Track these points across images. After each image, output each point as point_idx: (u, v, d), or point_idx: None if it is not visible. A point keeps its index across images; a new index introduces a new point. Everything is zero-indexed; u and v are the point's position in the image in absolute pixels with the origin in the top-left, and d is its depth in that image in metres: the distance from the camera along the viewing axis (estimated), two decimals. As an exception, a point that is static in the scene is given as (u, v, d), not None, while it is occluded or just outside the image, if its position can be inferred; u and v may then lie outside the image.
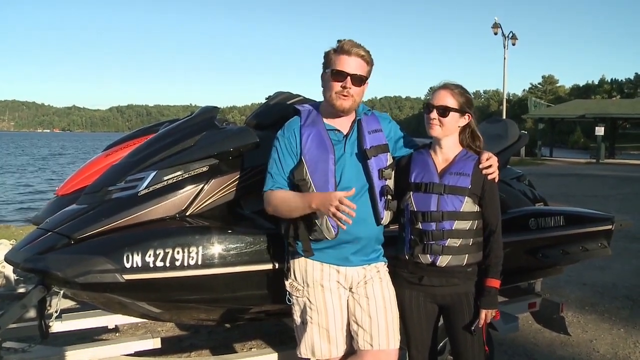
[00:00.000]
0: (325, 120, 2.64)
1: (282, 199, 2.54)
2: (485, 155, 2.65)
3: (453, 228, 2.58)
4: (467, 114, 2.64)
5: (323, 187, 2.51)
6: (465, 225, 2.60)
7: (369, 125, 2.66)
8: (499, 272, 2.64)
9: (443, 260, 2.60)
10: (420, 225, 2.62)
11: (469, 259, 2.62)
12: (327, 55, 2.59)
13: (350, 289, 2.66)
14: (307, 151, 2.56)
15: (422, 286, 2.68)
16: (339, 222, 2.33)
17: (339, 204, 2.29)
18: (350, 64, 2.53)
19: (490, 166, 2.62)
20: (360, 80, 2.56)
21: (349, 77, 2.52)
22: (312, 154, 2.55)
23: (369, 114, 2.72)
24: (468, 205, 2.59)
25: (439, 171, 2.65)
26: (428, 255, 2.61)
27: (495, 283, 2.63)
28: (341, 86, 2.53)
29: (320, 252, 2.58)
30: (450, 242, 2.59)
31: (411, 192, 2.66)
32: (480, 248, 2.66)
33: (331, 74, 2.54)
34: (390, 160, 2.68)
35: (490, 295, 2.62)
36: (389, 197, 2.64)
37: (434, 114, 2.61)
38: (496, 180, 2.65)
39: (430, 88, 2.74)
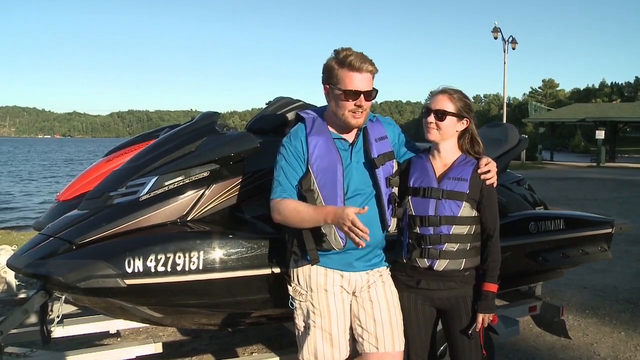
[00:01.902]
0: (330, 128, 2.62)
1: (294, 210, 2.48)
2: (484, 160, 2.66)
3: (451, 233, 2.59)
4: (465, 119, 2.65)
5: (331, 198, 2.50)
6: (462, 230, 2.61)
7: (375, 133, 2.65)
8: (496, 276, 2.65)
9: (440, 265, 2.61)
10: (418, 230, 2.63)
11: (466, 264, 2.63)
12: (330, 69, 2.51)
13: (354, 293, 2.67)
14: (314, 161, 2.53)
15: (420, 290, 2.69)
16: (356, 240, 2.28)
17: (352, 226, 2.26)
18: (363, 81, 2.47)
19: (488, 171, 2.63)
20: (371, 95, 2.52)
21: (362, 95, 2.48)
22: (319, 164, 2.53)
23: (374, 120, 2.71)
24: (466, 210, 2.60)
25: (437, 176, 2.65)
26: (425, 260, 2.62)
27: (492, 287, 2.64)
28: (355, 104, 2.49)
29: (325, 258, 2.58)
30: (448, 246, 2.60)
31: (410, 197, 2.67)
32: (478, 252, 2.67)
33: (345, 94, 2.47)
34: (396, 167, 2.69)
35: (487, 300, 2.63)
36: (395, 204, 2.65)
37: (432, 118, 2.62)
38: (495, 185, 2.66)
39: (430, 92, 2.72)
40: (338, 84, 2.48)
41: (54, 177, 33.70)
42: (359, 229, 2.26)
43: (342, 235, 2.48)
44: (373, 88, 2.53)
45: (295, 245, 2.58)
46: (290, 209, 2.49)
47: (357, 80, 2.46)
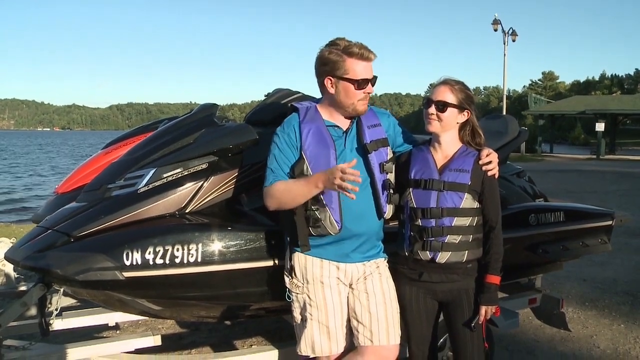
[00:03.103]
0: (324, 117, 2.63)
1: (285, 189, 2.50)
2: (486, 151, 2.65)
3: (453, 224, 2.58)
4: (466, 111, 2.63)
5: None
6: (465, 221, 2.59)
7: (367, 120, 2.66)
8: (499, 268, 2.64)
9: (443, 257, 2.60)
10: (419, 222, 2.61)
11: (468, 255, 2.62)
12: (334, 62, 2.50)
13: (350, 285, 2.66)
14: (307, 147, 2.54)
15: (422, 282, 2.68)
16: (346, 193, 2.30)
17: (342, 175, 2.28)
18: (370, 69, 2.54)
19: (490, 162, 2.62)
20: (375, 81, 2.58)
21: (370, 83, 2.54)
22: (312, 149, 2.53)
23: (368, 110, 2.71)
24: (468, 201, 2.59)
25: (438, 167, 2.64)
26: (427, 252, 2.61)
27: (495, 279, 2.63)
28: (364, 92, 2.54)
29: (320, 249, 2.58)
30: (450, 238, 2.59)
31: (411, 189, 2.65)
32: (480, 244, 2.65)
33: (358, 84, 2.51)
34: (390, 154, 2.68)
35: (490, 292, 2.62)
36: (391, 191, 2.64)
37: (433, 109, 2.60)
38: (496, 176, 2.65)
39: (431, 84, 2.72)
40: (347, 74, 2.50)
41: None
42: (350, 174, 2.26)
43: (337, 219, 2.49)
44: (376, 76, 2.59)
45: (291, 234, 2.58)
46: (281, 189, 2.51)
47: (366, 69, 2.52)
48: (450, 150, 2.67)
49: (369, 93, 2.56)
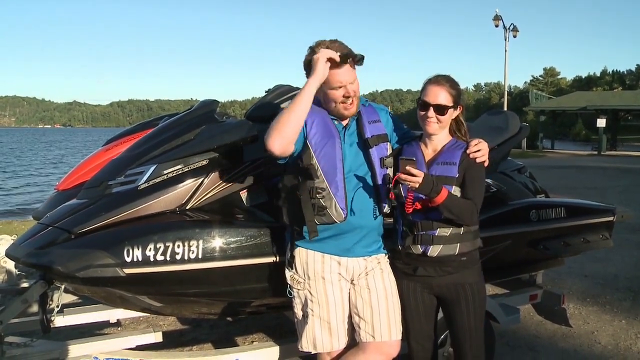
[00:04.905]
0: (326, 110, 2.63)
1: (283, 112, 2.44)
2: (475, 141, 2.64)
3: (442, 217, 2.56)
4: (459, 106, 2.65)
5: (331, 172, 2.51)
6: None
7: (368, 116, 2.66)
8: (450, 208, 2.48)
9: (434, 250, 2.60)
10: (410, 216, 2.61)
11: (461, 248, 2.61)
12: (309, 64, 2.48)
13: (352, 280, 2.66)
14: (312, 137, 2.54)
15: (418, 277, 2.68)
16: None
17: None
18: (345, 74, 2.49)
19: (479, 150, 2.60)
20: (354, 82, 2.53)
21: (346, 86, 2.51)
22: (317, 139, 2.54)
23: (367, 105, 2.72)
24: (456, 194, 2.57)
25: (426, 162, 2.64)
26: (419, 246, 2.61)
27: (440, 198, 2.45)
28: (344, 96, 2.52)
29: (322, 243, 2.58)
30: (440, 231, 2.59)
31: (400, 184, 2.64)
32: (474, 236, 2.66)
33: (331, 91, 2.50)
34: (390, 150, 2.69)
35: (433, 182, 2.43)
36: (390, 185, 2.64)
37: (432, 113, 2.59)
38: (485, 164, 2.62)
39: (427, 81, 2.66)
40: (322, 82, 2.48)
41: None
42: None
43: (343, 206, 2.50)
44: (354, 75, 2.54)
45: (295, 223, 2.57)
46: (281, 114, 2.44)
47: (341, 75, 2.48)
48: (440, 144, 2.68)
49: (347, 97, 2.52)
